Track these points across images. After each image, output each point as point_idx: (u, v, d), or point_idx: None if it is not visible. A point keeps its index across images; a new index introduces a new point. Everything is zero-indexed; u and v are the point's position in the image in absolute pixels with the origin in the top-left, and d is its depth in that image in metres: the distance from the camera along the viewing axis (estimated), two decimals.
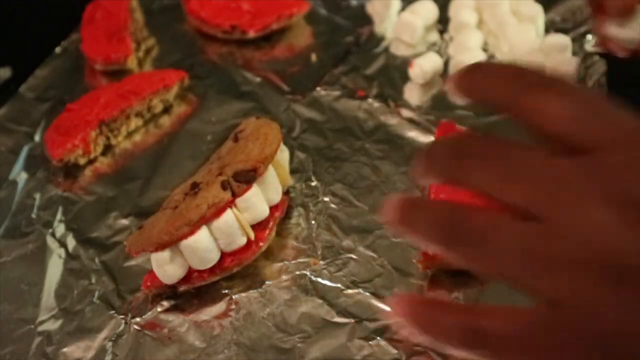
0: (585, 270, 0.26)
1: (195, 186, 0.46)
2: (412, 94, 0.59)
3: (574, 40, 0.60)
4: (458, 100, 0.32)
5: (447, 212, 0.30)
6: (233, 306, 0.46)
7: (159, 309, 0.47)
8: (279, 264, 0.48)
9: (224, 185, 0.45)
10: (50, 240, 0.51)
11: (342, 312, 0.45)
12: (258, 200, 0.46)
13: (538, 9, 0.62)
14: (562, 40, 0.59)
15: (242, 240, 0.46)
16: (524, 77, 0.30)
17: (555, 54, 0.59)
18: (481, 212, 0.29)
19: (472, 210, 0.29)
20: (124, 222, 0.52)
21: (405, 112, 0.58)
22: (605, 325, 0.26)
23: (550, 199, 0.27)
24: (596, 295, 0.26)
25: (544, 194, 0.27)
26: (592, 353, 0.27)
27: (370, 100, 0.59)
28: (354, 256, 0.48)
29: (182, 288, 0.46)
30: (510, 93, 0.30)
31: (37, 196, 0.55)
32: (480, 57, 0.61)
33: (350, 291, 0.46)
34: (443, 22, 0.65)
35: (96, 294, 0.48)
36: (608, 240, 0.26)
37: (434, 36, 0.64)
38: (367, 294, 0.46)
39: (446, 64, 0.61)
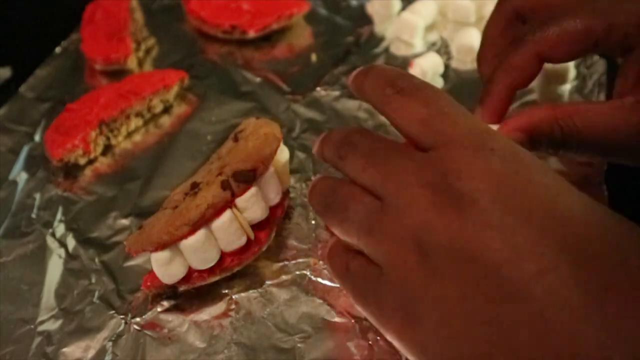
0: (400, 242, 0.33)
1: (195, 186, 0.46)
2: None
3: None
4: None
5: (327, 186, 0.38)
6: (233, 306, 0.46)
7: (159, 309, 0.46)
8: (279, 264, 0.48)
9: (224, 185, 0.45)
10: (50, 240, 0.51)
11: (342, 312, 0.45)
12: (258, 200, 0.46)
13: None
14: None
15: (242, 240, 0.46)
16: (395, 83, 0.36)
17: None
18: (347, 185, 0.37)
19: (343, 183, 0.37)
20: (124, 222, 0.52)
21: None
22: (412, 287, 0.32)
23: (387, 185, 0.34)
24: (406, 264, 0.32)
25: (385, 181, 0.34)
26: (397, 311, 0.33)
27: None
28: None
29: (182, 288, 0.46)
30: (381, 99, 0.37)
31: (37, 196, 0.55)
32: None
33: None
34: (443, 22, 0.65)
35: (96, 294, 0.48)
36: (417, 218, 0.32)
37: (434, 36, 0.64)
38: None
39: (446, 64, 0.61)
